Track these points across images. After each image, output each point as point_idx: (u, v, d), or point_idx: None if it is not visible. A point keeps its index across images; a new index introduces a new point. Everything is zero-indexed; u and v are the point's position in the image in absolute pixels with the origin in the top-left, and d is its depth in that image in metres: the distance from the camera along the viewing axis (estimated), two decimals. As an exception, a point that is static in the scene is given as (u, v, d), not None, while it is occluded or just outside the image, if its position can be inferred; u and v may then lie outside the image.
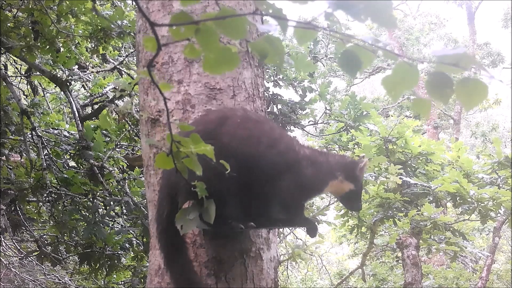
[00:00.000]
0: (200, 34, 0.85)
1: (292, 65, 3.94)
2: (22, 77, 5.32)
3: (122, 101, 3.46)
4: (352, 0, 0.84)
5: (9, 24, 3.42)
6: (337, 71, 10.92)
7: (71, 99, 3.94)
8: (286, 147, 1.53)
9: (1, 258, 4.80)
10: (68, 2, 3.45)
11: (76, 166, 4.02)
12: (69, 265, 5.36)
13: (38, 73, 4.33)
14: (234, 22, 0.84)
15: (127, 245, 3.77)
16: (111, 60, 5.18)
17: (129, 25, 3.63)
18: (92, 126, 3.85)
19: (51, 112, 4.78)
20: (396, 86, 0.89)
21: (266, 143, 1.49)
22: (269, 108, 4.33)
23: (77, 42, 4.14)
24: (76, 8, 3.54)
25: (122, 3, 4.37)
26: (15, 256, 5.22)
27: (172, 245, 1.47)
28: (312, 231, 1.64)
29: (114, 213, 3.95)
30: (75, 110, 3.87)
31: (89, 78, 5.13)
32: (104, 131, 3.98)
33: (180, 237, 1.45)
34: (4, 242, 4.73)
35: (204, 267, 1.55)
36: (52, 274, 5.39)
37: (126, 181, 3.70)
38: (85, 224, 3.57)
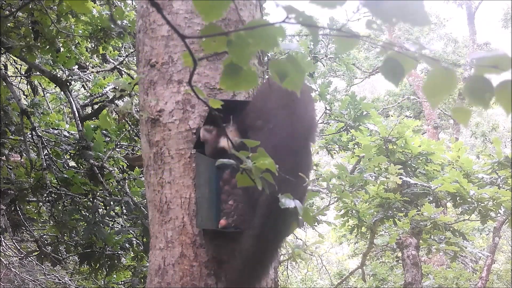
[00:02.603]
0: (232, 46, 0.82)
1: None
2: (22, 77, 5.32)
3: (122, 101, 3.46)
4: (382, 1, 0.80)
5: (9, 24, 3.42)
6: (337, 71, 10.91)
7: (71, 99, 3.94)
8: None
9: (1, 258, 4.80)
10: (68, 2, 3.45)
11: (76, 166, 4.02)
12: (69, 265, 5.36)
13: (38, 73, 4.33)
14: (265, 32, 0.81)
15: (127, 245, 3.77)
16: (111, 60, 5.18)
17: (129, 25, 3.63)
18: (92, 126, 3.85)
19: (51, 112, 4.78)
20: (436, 92, 0.86)
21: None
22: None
23: (77, 42, 4.14)
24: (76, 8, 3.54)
25: (122, 3, 4.37)
26: (15, 256, 5.22)
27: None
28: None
29: (114, 213, 3.95)
30: (75, 110, 3.87)
31: (89, 78, 5.12)
32: (104, 131, 3.98)
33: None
34: (4, 242, 4.73)
35: (204, 267, 1.55)
36: (52, 274, 5.39)
37: (126, 181, 3.70)
38: (85, 224, 3.57)
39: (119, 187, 3.66)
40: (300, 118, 1.44)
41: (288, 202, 1.13)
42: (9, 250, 5.09)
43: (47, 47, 3.56)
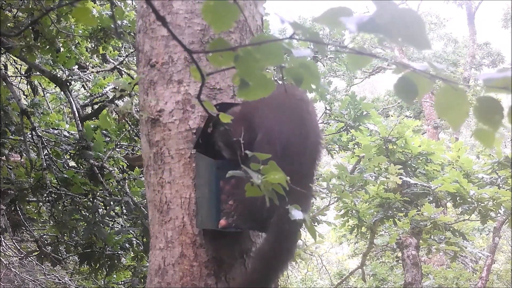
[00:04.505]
0: (239, 61, 0.82)
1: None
2: (22, 77, 5.32)
3: (122, 101, 3.46)
4: (390, 28, 0.80)
5: (9, 24, 3.42)
6: (337, 71, 10.92)
7: (71, 99, 3.94)
8: None
9: (1, 258, 4.80)
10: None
11: (76, 166, 4.01)
12: (69, 265, 5.36)
13: (38, 73, 4.33)
14: (270, 47, 0.81)
15: (127, 245, 3.77)
16: (111, 60, 5.18)
17: (129, 25, 3.63)
18: (92, 126, 3.85)
19: (51, 112, 4.78)
20: (448, 111, 0.85)
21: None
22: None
23: (77, 42, 4.14)
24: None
25: (122, 3, 4.37)
26: (15, 256, 5.22)
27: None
28: None
29: (114, 213, 3.95)
30: (75, 110, 3.87)
31: (89, 78, 5.13)
32: (104, 131, 3.98)
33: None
34: (4, 242, 4.74)
35: (204, 267, 1.55)
36: (52, 274, 5.40)
37: (126, 181, 3.70)
38: (85, 224, 3.57)
39: (119, 187, 3.66)
40: (311, 141, 1.49)
41: (297, 214, 1.16)
42: (9, 250, 5.10)
43: (47, 47, 3.56)
